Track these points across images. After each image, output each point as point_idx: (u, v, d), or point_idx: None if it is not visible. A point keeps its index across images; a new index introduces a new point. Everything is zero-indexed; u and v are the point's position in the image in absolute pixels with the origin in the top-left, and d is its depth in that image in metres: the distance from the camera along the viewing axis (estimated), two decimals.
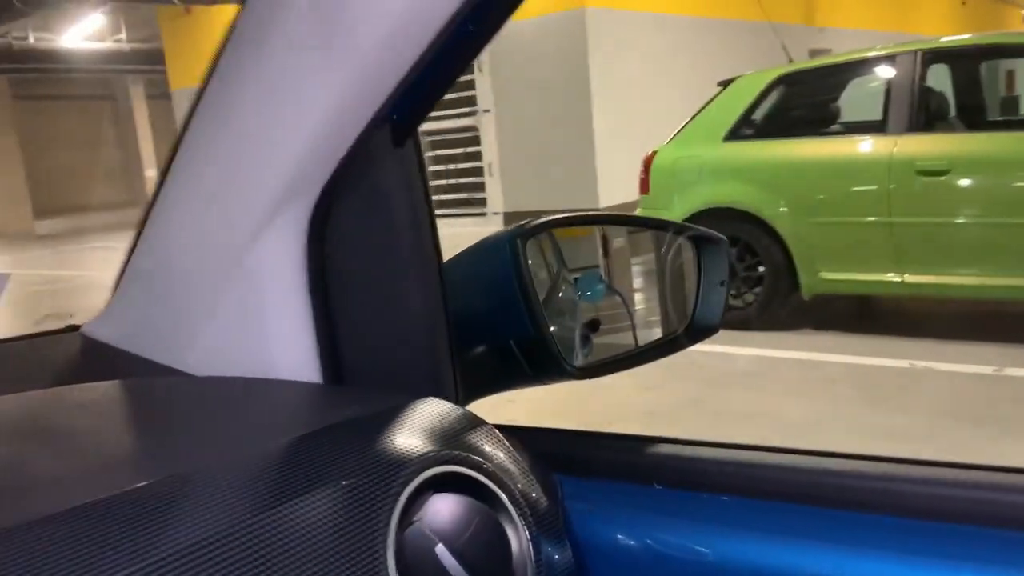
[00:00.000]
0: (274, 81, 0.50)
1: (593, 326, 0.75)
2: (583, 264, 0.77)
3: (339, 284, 0.56)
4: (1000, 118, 4.77)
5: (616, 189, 8.59)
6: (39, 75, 14.58)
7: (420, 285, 0.56)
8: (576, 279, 0.75)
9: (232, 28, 0.52)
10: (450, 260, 0.64)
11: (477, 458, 0.45)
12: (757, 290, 4.36)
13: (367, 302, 0.56)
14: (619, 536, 0.51)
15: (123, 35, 14.57)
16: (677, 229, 0.77)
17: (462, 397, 0.59)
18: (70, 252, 11.95)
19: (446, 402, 0.50)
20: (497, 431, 0.49)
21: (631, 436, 0.56)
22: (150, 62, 14.26)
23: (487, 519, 0.43)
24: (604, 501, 0.52)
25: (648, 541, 0.50)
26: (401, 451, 0.44)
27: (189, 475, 0.41)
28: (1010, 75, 5.64)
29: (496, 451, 0.47)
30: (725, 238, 0.75)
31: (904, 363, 3.70)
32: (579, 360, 0.73)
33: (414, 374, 0.56)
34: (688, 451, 0.54)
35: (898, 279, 3.96)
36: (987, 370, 3.48)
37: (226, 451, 0.45)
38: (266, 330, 0.55)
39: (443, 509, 0.42)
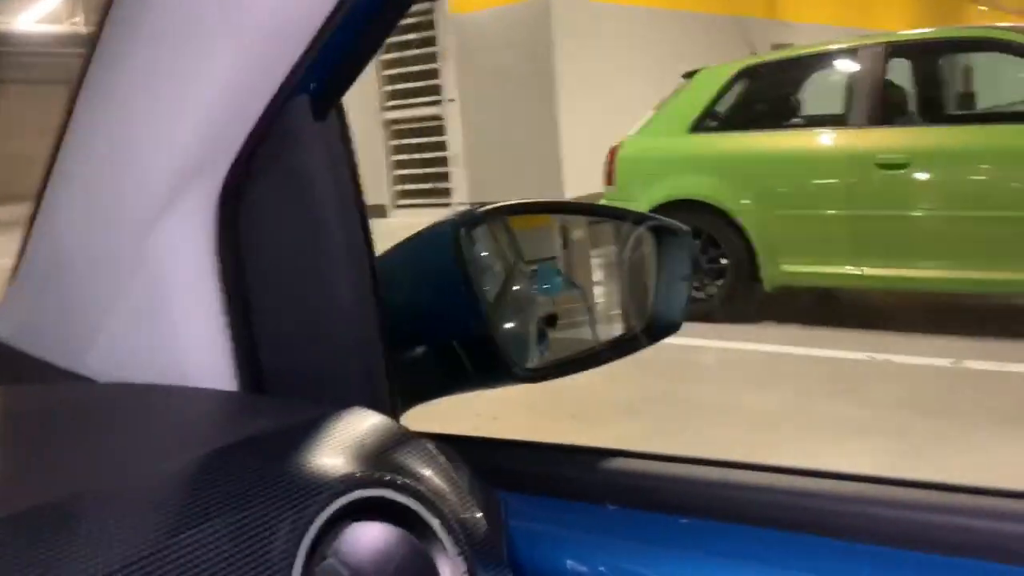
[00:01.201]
0: (162, 46, 0.44)
1: (550, 321, 0.70)
2: (541, 256, 0.72)
3: (257, 277, 0.50)
4: (958, 112, 4.81)
5: (581, 180, 8.56)
6: None
7: (349, 278, 0.50)
8: (533, 271, 0.70)
9: None
10: (386, 252, 0.58)
11: (406, 479, 0.39)
12: (720, 282, 4.37)
13: (289, 297, 0.50)
14: (568, 561, 0.46)
15: (79, 18, 14.16)
16: (637, 219, 0.72)
17: (399, 404, 0.53)
18: None
19: (374, 413, 0.44)
20: (432, 445, 0.44)
21: (583, 448, 0.51)
22: None
23: (415, 551, 0.38)
24: (553, 522, 0.47)
25: (600, 568, 0.45)
26: (316, 472, 0.38)
27: (66, 501, 0.35)
28: (967, 71, 5.72)
29: (430, 469, 0.42)
30: (688, 229, 0.70)
31: (863, 355, 3.72)
32: (534, 357, 0.68)
33: (343, 379, 0.51)
34: (645, 466, 0.49)
35: (857, 272, 3.99)
36: (945, 362, 3.51)
37: (115, 472, 0.39)
38: (173, 330, 0.48)
39: (363, 540, 0.37)
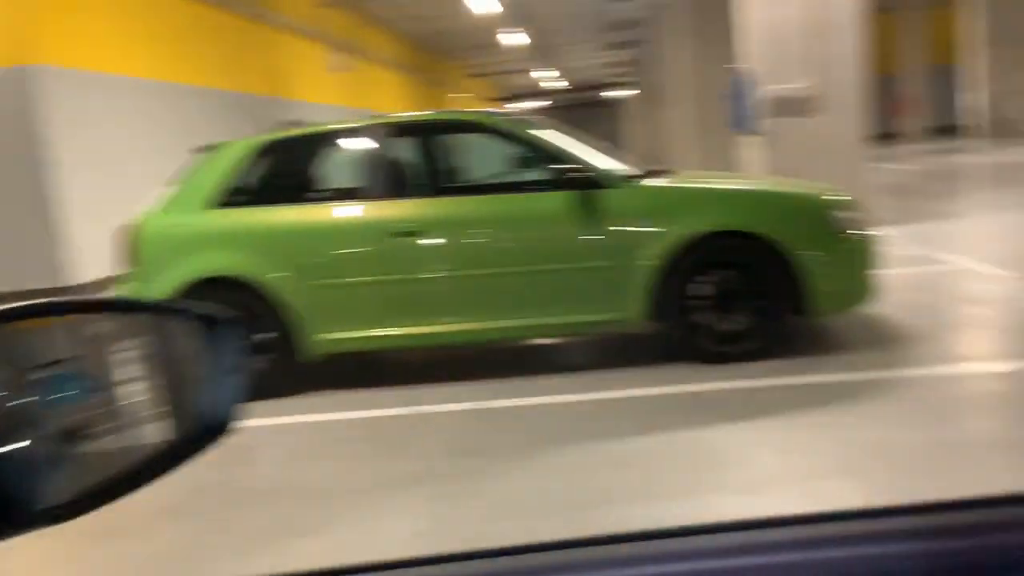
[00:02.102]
0: None
1: (69, 436, 0.58)
2: (53, 358, 0.60)
3: None
4: (453, 184, 5.50)
5: (93, 264, 7.68)
6: None
7: None
8: (44, 378, 0.58)
9: None
10: None
11: None
12: (263, 358, 4.27)
13: None
14: None
15: None
16: (172, 310, 0.65)
17: None
18: None
19: None
20: None
21: (357, 567, 0.43)
22: None
23: None
24: None
25: None
26: None
27: None
28: (457, 148, 6.58)
29: None
30: (234, 315, 0.65)
31: (405, 410, 3.97)
32: (58, 486, 0.56)
33: None
34: (440, 572, 0.43)
35: (385, 333, 4.26)
36: (472, 406, 3.93)
37: None
38: None
39: None
